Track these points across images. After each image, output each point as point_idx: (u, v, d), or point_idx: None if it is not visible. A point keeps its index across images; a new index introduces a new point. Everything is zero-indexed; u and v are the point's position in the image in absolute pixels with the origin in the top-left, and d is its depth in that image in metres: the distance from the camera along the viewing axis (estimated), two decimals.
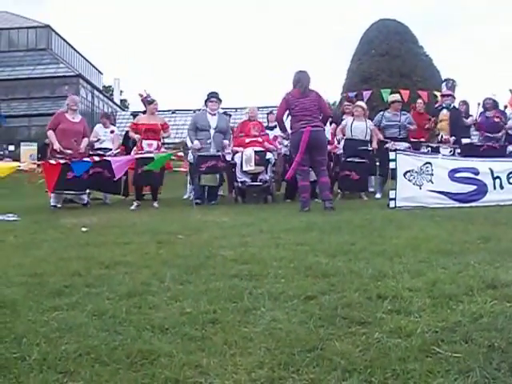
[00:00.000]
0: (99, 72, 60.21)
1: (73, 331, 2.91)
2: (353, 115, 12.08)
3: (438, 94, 14.42)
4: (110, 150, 12.48)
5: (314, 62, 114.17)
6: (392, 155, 9.18)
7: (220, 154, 11.22)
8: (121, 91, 62.76)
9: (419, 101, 13.89)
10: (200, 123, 11.40)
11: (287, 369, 2.39)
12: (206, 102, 11.71)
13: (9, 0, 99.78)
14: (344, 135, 11.86)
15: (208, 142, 11.19)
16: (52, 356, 2.56)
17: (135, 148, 11.31)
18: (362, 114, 11.94)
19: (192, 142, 11.46)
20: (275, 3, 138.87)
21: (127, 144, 12.88)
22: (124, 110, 54.87)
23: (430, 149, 11.64)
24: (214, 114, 11.48)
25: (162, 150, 11.37)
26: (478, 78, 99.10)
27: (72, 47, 54.06)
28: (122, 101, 63.40)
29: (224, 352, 2.58)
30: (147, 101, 11.63)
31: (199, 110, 13.55)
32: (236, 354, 2.56)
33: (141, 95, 11.81)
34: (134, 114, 14.82)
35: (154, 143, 11.00)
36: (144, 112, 12.01)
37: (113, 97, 59.28)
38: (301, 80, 9.36)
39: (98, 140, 12.53)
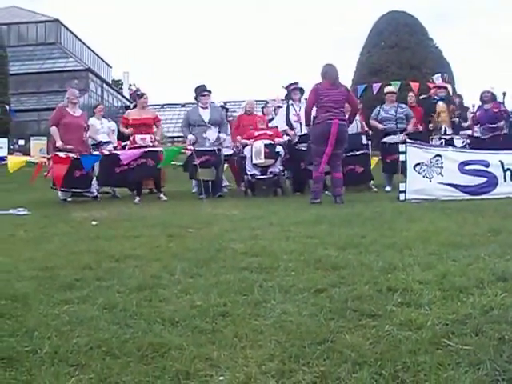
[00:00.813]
0: (108, 66, 60.33)
1: (84, 324, 2.92)
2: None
3: (430, 85, 14.27)
4: (108, 142, 12.40)
5: (315, 59, 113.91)
6: (402, 148, 9.16)
7: (215, 148, 11.16)
8: (130, 85, 62.80)
9: (410, 94, 13.80)
10: (193, 118, 11.31)
11: (297, 361, 2.39)
12: (196, 97, 11.59)
13: None
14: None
15: (203, 136, 11.12)
16: (63, 349, 2.57)
17: (128, 143, 11.32)
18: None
19: (186, 137, 11.41)
20: (276, 2, 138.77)
21: (122, 139, 12.77)
22: (132, 104, 54.98)
23: (443, 141, 11.58)
24: (207, 108, 11.38)
25: (155, 143, 11.31)
26: (485, 70, 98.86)
27: (81, 41, 54.20)
28: (130, 95, 63.47)
29: (234, 345, 2.58)
30: (137, 95, 11.60)
31: (187, 104, 13.47)
32: (246, 346, 2.57)
33: (131, 89, 11.77)
34: (126, 106, 14.79)
35: (147, 137, 10.97)
36: (135, 106, 11.96)
37: (122, 90, 59.32)
38: (328, 72, 9.31)
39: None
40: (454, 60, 56.54)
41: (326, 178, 10.00)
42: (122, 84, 62.11)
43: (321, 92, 9.18)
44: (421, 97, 13.68)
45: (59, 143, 10.56)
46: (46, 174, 11.07)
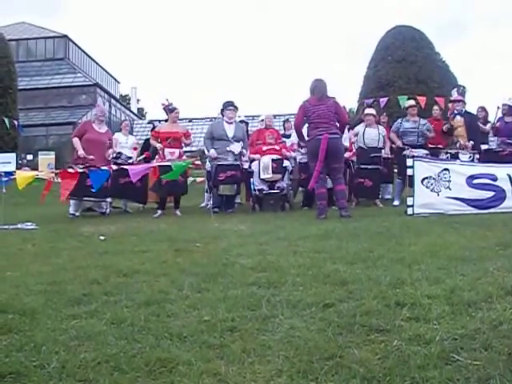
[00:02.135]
0: (116, 81, 60.55)
1: (92, 339, 2.91)
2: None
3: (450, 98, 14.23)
4: (130, 158, 12.50)
5: (329, 70, 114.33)
6: (410, 162, 9.15)
7: (239, 163, 11.21)
8: (138, 100, 63.14)
9: (435, 107, 13.77)
10: (217, 132, 11.33)
11: (306, 377, 2.38)
12: (222, 111, 11.64)
13: (27, 10, 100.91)
14: (351, 144, 11.84)
15: (227, 149, 11.14)
16: (71, 364, 2.57)
17: (157, 157, 11.36)
18: (374, 121, 11.94)
19: (208, 151, 11.44)
20: (292, 14, 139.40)
21: (150, 151, 12.85)
22: (141, 119, 55.24)
23: (449, 155, 11.54)
24: (231, 123, 11.43)
25: (184, 158, 11.39)
26: (494, 82, 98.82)
27: (89, 57, 54.44)
28: (138, 109, 63.77)
29: (242, 360, 2.58)
30: (169, 109, 11.64)
31: (215, 118, 13.50)
32: (255, 361, 2.56)
33: (163, 104, 11.82)
34: (152, 122, 14.85)
35: (176, 151, 11.05)
36: (166, 120, 12.02)
37: (130, 105, 59.55)
38: (317, 87, 9.36)
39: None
40: (463, 73, 56.47)
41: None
42: (129, 99, 62.39)
43: (308, 109, 9.29)
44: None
45: (80, 152, 10.68)
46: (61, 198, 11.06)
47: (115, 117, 50.84)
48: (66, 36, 50.55)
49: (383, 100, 16.93)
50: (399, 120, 12.21)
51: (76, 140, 11.02)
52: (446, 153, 11.68)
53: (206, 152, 11.95)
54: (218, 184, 11.05)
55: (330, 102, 9.33)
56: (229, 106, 11.50)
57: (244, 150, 11.38)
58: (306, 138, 9.65)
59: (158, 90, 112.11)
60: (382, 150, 12.01)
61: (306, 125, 9.63)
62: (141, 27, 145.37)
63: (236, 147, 11.13)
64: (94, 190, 10.37)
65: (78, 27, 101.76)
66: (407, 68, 30.84)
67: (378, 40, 33.62)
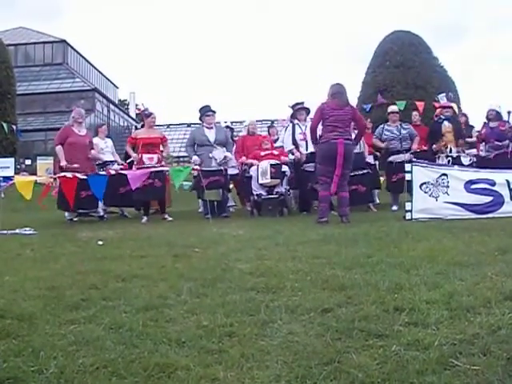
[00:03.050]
0: (115, 86, 60.68)
1: (90, 344, 2.91)
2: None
3: (436, 105, 14.25)
4: (114, 161, 12.42)
5: (328, 74, 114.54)
6: (408, 167, 9.16)
7: (222, 168, 11.19)
8: (136, 104, 63.12)
9: (414, 113, 13.79)
10: (198, 138, 11.35)
11: (304, 382, 2.38)
12: (201, 117, 11.61)
13: (25, 15, 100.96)
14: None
15: (209, 156, 11.13)
16: (69, 369, 2.56)
17: (135, 163, 11.28)
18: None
19: (191, 158, 11.42)
20: (287, 17, 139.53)
21: (125, 158, 12.78)
22: (139, 124, 55.24)
23: (450, 159, 11.56)
24: (212, 128, 11.42)
25: (163, 163, 11.33)
26: (493, 87, 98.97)
27: (88, 61, 54.56)
28: (137, 114, 63.75)
29: (241, 365, 2.57)
30: (145, 114, 11.64)
31: (192, 124, 13.51)
32: (253, 367, 2.55)
33: (138, 109, 11.81)
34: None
35: (155, 157, 11.00)
36: (142, 126, 11.98)
37: (128, 110, 59.60)
38: (338, 93, 9.30)
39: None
40: (461, 78, 56.60)
41: (332, 197, 9.98)
42: (128, 104, 62.43)
43: (326, 112, 9.17)
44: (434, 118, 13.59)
45: (63, 163, 10.62)
46: (53, 193, 11.10)
47: (114, 122, 50.90)
48: (64, 41, 50.68)
49: (380, 98, 17.07)
50: (381, 126, 12.28)
51: (59, 148, 10.97)
52: (447, 156, 11.69)
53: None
54: (202, 190, 11.01)
55: (347, 108, 9.29)
56: (207, 111, 11.50)
57: (229, 154, 11.40)
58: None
59: (156, 95, 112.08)
60: (367, 156, 12.14)
61: (321, 127, 9.53)
62: (139, 33, 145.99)
63: (218, 153, 11.14)
64: (98, 199, 10.39)
65: (77, 32, 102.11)
66: (405, 73, 30.94)
67: (376, 45, 33.74)
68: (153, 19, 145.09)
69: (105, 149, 12.56)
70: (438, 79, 30.89)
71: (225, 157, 11.21)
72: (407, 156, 11.19)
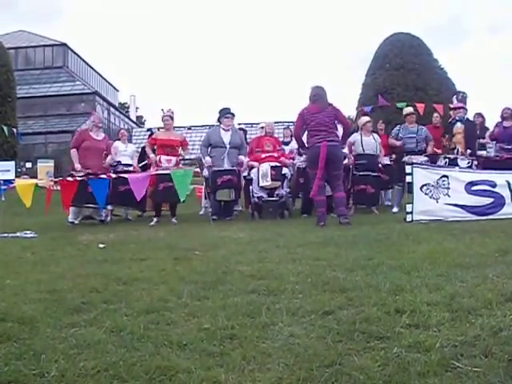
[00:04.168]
0: (115, 89, 60.62)
1: (91, 348, 2.91)
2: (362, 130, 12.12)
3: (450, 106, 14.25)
4: (131, 165, 12.47)
5: (329, 76, 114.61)
6: (408, 169, 9.15)
7: (235, 168, 11.23)
8: (137, 108, 63.22)
9: (435, 115, 13.83)
10: (214, 140, 11.36)
11: None
12: (219, 118, 11.66)
13: (25, 19, 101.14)
14: (351, 152, 11.83)
15: (222, 158, 11.15)
16: (70, 373, 2.56)
17: (153, 164, 11.31)
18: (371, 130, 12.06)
19: (204, 158, 11.47)
20: (292, 21, 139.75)
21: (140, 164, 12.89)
22: (140, 127, 55.26)
23: (447, 160, 11.54)
24: (228, 130, 11.44)
25: (180, 165, 11.38)
26: (494, 88, 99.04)
27: (88, 65, 54.52)
28: (137, 117, 63.80)
29: (242, 368, 2.57)
30: (162, 117, 11.67)
31: (213, 125, 13.52)
32: (254, 369, 2.55)
33: (162, 110, 11.81)
34: (150, 130, 14.85)
35: (173, 159, 11.03)
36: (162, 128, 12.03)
37: (129, 113, 59.58)
38: (317, 95, 9.35)
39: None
40: (462, 80, 56.61)
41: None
42: (128, 107, 62.40)
43: (307, 116, 9.27)
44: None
45: (77, 165, 10.70)
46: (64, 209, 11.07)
47: (114, 125, 50.88)
48: (64, 44, 50.65)
49: (382, 100, 17.10)
50: (397, 127, 12.27)
51: (73, 152, 11.07)
52: (445, 157, 11.68)
53: (202, 159, 11.96)
54: (215, 189, 11.05)
55: (329, 109, 9.32)
56: (226, 113, 11.54)
57: (242, 157, 11.40)
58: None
59: (157, 98, 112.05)
60: (379, 158, 12.08)
61: (306, 132, 9.59)
62: (140, 35, 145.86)
63: (232, 156, 11.21)
64: (97, 201, 10.38)
65: (77, 35, 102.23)
66: (406, 75, 30.88)
67: (376, 47, 33.72)
68: (153, 22, 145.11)
69: (124, 152, 12.61)
70: (438, 81, 30.84)
71: (238, 159, 11.32)
72: (421, 158, 11.12)
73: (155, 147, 11.21)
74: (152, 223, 10.67)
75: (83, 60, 53.74)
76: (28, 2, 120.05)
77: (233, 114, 11.70)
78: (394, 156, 12.65)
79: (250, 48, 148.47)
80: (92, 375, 2.54)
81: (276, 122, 15.04)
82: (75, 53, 52.38)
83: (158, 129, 13.56)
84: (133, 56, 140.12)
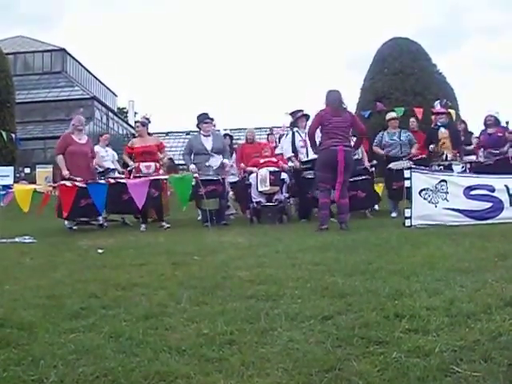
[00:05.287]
0: (114, 94, 60.74)
1: (90, 353, 2.90)
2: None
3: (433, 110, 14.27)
4: (114, 169, 12.44)
5: (325, 81, 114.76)
6: (407, 173, 9.14)
7: (219, 177, 11.07)
8: (135, 113, 63.09)
9: (412, 119, 13.85)
10: (196, 147, 11.23)
11: None
12: (198, 124, 11.50)
13: (24, 24, 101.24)
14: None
15: (206, 164, 11.04)
16: (69, 378, 2.56)
17: (133, 171, 11.25)
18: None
19: (188, 167, 11.36)
20: (287, 24, 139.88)
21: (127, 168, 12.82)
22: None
23: (442, 167, 11.55)
24: (209, 135, 11.29)
25: (161, 171, 11.32)
26: (492, 93, 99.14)
27: (87, 70, 54.63)
28: (136, 122, 63.78)
29: (241, 373, 2.57)
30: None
31: (192, 131, 13.47)
32: (253, 374, 2.55)
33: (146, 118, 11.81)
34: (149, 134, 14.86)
35: (152, 165, 10.98)
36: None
37: (127, 119, 59.64)
38: (334, 99, 9.29)
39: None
40: (460, 85, 56.74)
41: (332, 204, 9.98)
42: (127, 112, 62.48)
43: (325, 119, 9.16)
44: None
45: (65, 172, 10.51)
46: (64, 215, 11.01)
47: (113, 130, 50.93)
48: (63, 49, 50.78)
49: (380, 105, 17.10)
50: (380, 133, 12.34)
51: (60, 158, 10.84)
52: (439, 165, 11.69)
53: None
54: (199, 199, 10.99)
55: (346, 115, 9.29)
56: (205, 119, 11.40)
57: (226, 161, 11.33)
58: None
59: (155, 103, 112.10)
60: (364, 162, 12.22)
61: (320, 134, 9.51)
62: (138, 41, 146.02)
63: (214, 161, 11.08)
64: (98, 209, 10.35)
65: (76, 41, 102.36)
66: (404, 80, 30.98)
67: (374, 52, 33.79)
68: (151, 27, 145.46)
69: (105, 157, 12.58)
70: (436, 86, 30.90)
71: (222, 163, 11.13)
72: (406, 163, 11.15)
73: (133, 155, 11.16)
74: (141, 229, 10.69)
75: (82, 65, 53.86)
76: (27, 7, 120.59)
77: (211, 119, 11.60)
78: (375, 161, 12.71)
79: (248, 54, 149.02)
80: (91, 381, 2.54)
81: (260, 128, 15.07)
82: (74, 58, 52.50)
83: (134, 136, 13.56)
84: (131, 61, 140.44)
